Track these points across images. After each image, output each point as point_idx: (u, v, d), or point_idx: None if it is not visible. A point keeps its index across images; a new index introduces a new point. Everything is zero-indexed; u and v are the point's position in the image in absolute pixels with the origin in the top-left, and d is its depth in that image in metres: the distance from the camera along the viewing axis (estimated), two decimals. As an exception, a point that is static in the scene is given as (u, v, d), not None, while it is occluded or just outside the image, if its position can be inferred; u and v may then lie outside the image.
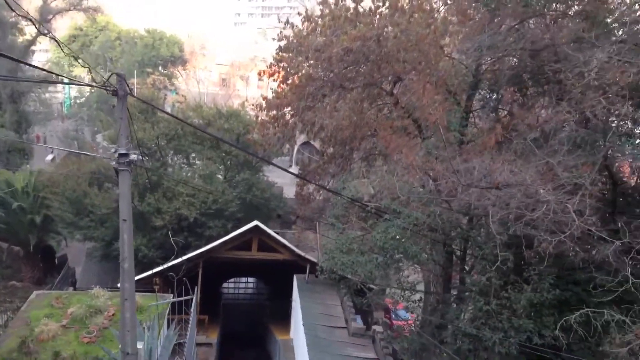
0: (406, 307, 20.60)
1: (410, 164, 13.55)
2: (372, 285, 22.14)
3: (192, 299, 19.90)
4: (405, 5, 19.60)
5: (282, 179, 38.75)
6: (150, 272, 24.67)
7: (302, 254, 26.63)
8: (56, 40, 12.85)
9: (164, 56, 79.59)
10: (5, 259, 41.66)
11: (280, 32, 19.91)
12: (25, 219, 36.39)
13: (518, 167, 10.24)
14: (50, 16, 52.21)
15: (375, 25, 17.27)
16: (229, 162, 33.61)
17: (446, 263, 20.05)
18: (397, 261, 18.31)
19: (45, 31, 51.78)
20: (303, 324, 22.41)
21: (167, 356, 15.31)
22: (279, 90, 21.12)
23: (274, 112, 20.48)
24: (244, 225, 26.93)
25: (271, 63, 20.96)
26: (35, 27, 12.63)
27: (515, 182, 9.87)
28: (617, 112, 9.82)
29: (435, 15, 21.15)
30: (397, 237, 16.72)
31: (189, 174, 32.84)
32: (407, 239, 16.54)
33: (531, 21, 16.20)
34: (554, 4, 15.95)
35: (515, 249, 15.18)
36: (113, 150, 11.35)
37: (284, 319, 28.64)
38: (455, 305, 18.99)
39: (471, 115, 19.99)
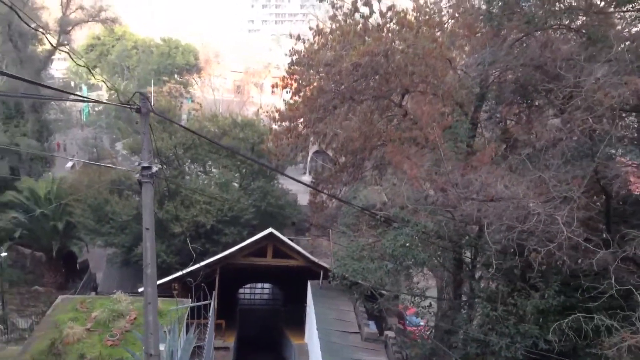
0: (416, 312, 21.20)
1: (414, 177, 14.22)
2: (383, 291, 22.76)
3: (210, 304, 20.63)
4: (412, 19, 20.30)
5: (296, 186, 39.49)
6: (169, 278, 25.51)
7: (316, 260, 27.31)
8: (69, 54, 13.71)
9: (180, 64, 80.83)
10: (29, 265, 42.90)
11: (292, 47, 20.73)
12: (48, 226, 37.55)
13: (512, 181, 10.89)
14: (70, 27, 53.48)
15: (383, 40, 17.95)
16: (244, 170, 34.49)
17: (456, 270, 20.64)
18: (406, 268, 18.93)
19: (62, 43, 53.39)
20: (317, 329, 23.03)
21: (187, 358, 16.07)
22: (292, 102, 21.89)
23: (287, 123, 21.26)
24: (259, 233, 27.76)
25: (284, 76, 21.77)
26: (50, 43, 13.54)
27: (508, 196, 10.52)
28: (604, 130, 10.41)
29: (445, 26, 21.86)
30: (407, 244, 17.35)
31: (205, 182, 33.69)
32: (416, 247, 17.18)
33: (535, 34, 16.78)
34: (555, 20, 16.50)
35: (520, 256, 15.73)
36: (137, 163, 12.16)
37: (299, 324, 29.27)
38: (464, 311, 19.55)
39: (479, 126, 20.58)
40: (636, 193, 11.24)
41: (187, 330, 19.77)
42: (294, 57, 20.48)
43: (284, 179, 37.36)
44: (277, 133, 21.86)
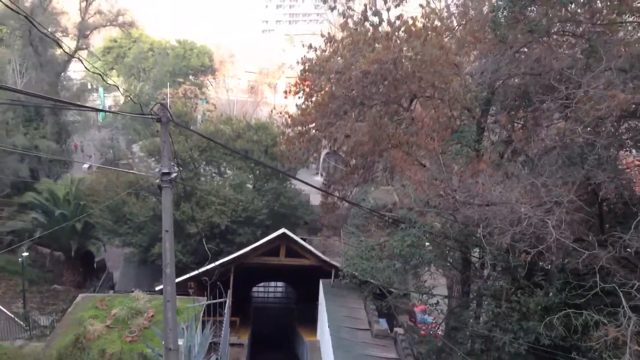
0: (423, 310, 21.83)
1: (418, 181, 14.90)
2: (391, 289, 23.38)
3: (225, 302, 21.39)
4: (420, 26, 20.94)
5: (309, 187, 40.13)
6: (185, 277, 26.31)
7: (327, 259, 27.88)
8: (82, 62, 14.58)
9: (195, 66, 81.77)
10: (48, 264, 43.99)
11: (304, 55, 21.47)
12: (66, 226, 38.50)
13: (506, 188, 11.52)
14: (88, 32, 54.69)
15: (392, 49, 18.62)
16: (258, 172, 35.22)
17: (463, 269, 21.25)
18: (414, 267, 19.59)
19: (80, 47, 54.53)
20: (328, 326, 23.66)
21: (203, 353, 16.86)
22: (304, 106, 22.64)
23: (299, 128, 21.99)
24: (273, 233, 28.31)
25: (296, 82, 22.54)
26: (65, 51, 14.38)
27: (501, 201, 11.16)
28: (591, 140, 11.02)
29: (454, 31, 22.48)
30: (414, 244, 18.01)
31: (220, 184, 34.47)
32: (423, 247, 17.84)
33: (540, 40, 17.35)
34: (558, 28, 17.07)
35: (527, 256, 16.31)
36: (156, 169, 13.00)
37: (311, 322, 29.79)
38: (471, 309, 20.18)
39: (486, 129, 21.16)
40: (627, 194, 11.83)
41: (203, 327, 20.57)
42: (306, 65, 21.21)
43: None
44: (290, 137, 22.61)
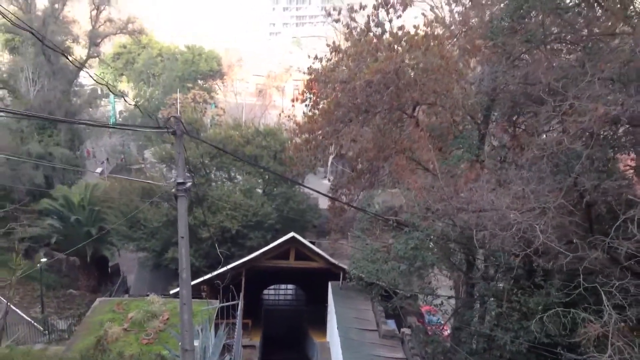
0: (428, 311, 22.49)
1: (417, 188, 15.63)
2: (397, 290, 24.05)
3: (237, 304, 22.15)
4: (422, 34, 21.64)
5: (319, 189, 40.82)
6: (198, 280, 27.06)
7: (336, 262, 28.50)
8: (91, 76, 15.46)
9: (203, 71, 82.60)
10: (64, 269, 44.99)
11: (310, 66, 22.25)
12: (81, 231, 39.39)
13: (497, 195, 12.23)
14: (99, 40, 55.77)
15: (394, 59, 19.33)
16: (267, 177, 36.01)
17: (467, 270, 21.90)
18: (418, 269, 20.28)
19: (92, 55, 55.55)
20: (337, 327, 24.30)
21: (217, 354, 17.64)
22: (310, 113, 23.43)
23: (306, 135, 22.77)
24: (282, 236, 29.02)
25: (303, 90, 23.35)
26: (73, 64, 15.22)
27: (492, 208, 11.88)
28: (576, 150, 11.70)
29: (455, 39, 23.16)
30: (417, 247, 18.70)
31: (230, 189, 35.26)
32: (426, 249, 18.54)
33: (534, 52, 17.99)
34: (553, 37, 17.70)
35: (526, 258, 16.98)
36: (172, 179, 13.88)
37: (321, 323, 30.26)
38: (474, 309, 20.82)
39: (488, 134, 21.80)
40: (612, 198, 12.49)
41: (217, 329, 21.34)
42: (313, 75, 22.00)
43: (306, 182, 38.77)
44: (298, 144, 23.38)
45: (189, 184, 13.92)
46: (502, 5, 19.37)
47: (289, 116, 36.28)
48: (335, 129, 21.92)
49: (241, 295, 24.89)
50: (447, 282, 23.69)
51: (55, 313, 36.44)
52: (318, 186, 38.75)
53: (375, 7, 21.55)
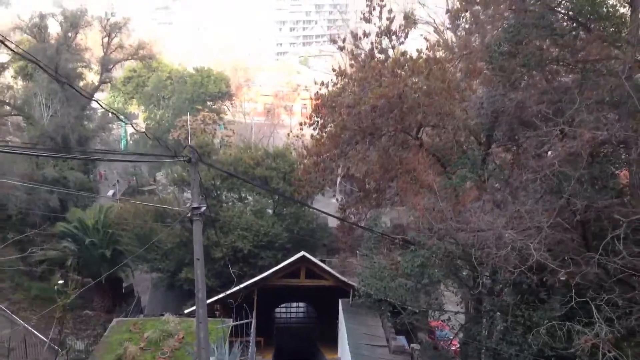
0: (436, 326, 23.04)
1: (420, 209, 16.36)
2: (405, 307, 24.63)
3: (250, 323, 22.83)
4: (425, 58, 22.53)
5: (327, 209, 41.52)
6: (212, 299, 27.73)
7: (346, 280, 29.00)
8: (102, 106, 16.40)
9: (212, 92, 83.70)
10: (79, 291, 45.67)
11: (317, 92, 23.18)
12: (96, 253, 40.16)
13: (494, 216, 12.95)
14: (111, 66, 57.16)
15: (397, 85, 20.19)
16: (277, 197, 36.81)
17: (473, 286, 22.47)
18: (425, 286, 20.91)
19: (104, 81, 56.87)
20: (348, 344, 24.87)
21: (232, 371, 18.34)
22: (318, 136, 24.31)
23: (315, 158, 23.62)
24: (293, 255, 29.65)
25: (310, 114, 24.25)
26: (81, 94, 16.08)
27: (488, 228, 12.60)
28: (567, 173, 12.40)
29: (456, 62, 24.03)
30: (424, 264, 19.36)
31: (241, 210, 36.02)
32: (432, 267, 19.21)
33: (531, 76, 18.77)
34: (550, 59, 18.47)
35: (535, 273, 17.57)
36: (188, 205, 14.76)
37: (332, 340, 30.65)
38: (480, 323, 21.37)
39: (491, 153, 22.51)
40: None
41: (231, 347, 22.00)
42: (319, 101, 22.92)
43: (316, 201, 39.55)
44: (306, 167, 24.23)
45: (203, 209, 14.76)
46: (500, 30, 20.17)
47: (297, 136, 37.23)
48: (342, 151, 22.75)
49: (254, 313, 25.50)
50: (454, 297, 24.24)
51: (72, 334, 37.10)
52: (327, 205, 39.48)
53: (378, 35, 22.53)
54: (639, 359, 12.36)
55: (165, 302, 37.04)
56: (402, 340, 25.80)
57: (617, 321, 11.24)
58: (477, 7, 22.11)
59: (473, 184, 20.00)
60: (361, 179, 24.98)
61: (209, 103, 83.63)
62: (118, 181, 71.85)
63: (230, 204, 37.63)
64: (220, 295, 27.01)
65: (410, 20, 24.68)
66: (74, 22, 54.20)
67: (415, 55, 23.03)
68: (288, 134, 42.57)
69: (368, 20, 22.75)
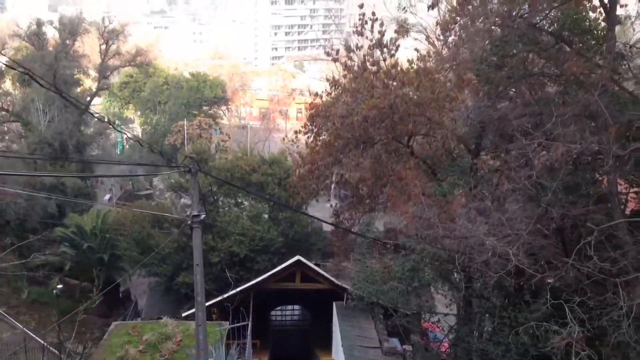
0: (426, 327, 23.77)
1: (408, 217, 17.17)
2: (396, 309, 25.37)
3: (247, 325, 23.48)
4: (415, 68, 23.33)
5: (321, 213, 42.23)
6: (209, 303, 28.28)
7: (339, 283, 29.58)
8: (98, 118, 17.12)
9: (208, 97, 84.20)
10: (77, 295, 46.17)
11: (311, 102, 23.99)
12: (94, 258, 40.68)
13: (476, 224, 13.75)
14: (108, 73, 57.80)
15: (388, 96, 20.98)
16: (272, 202, 37.52)
17: (463, 288, 23.23)
18: (415, 288, 21.69)
19: (102, 87, 57.46)
20: (342, 345, 25.55)
21: (230, 371, 19.02)
22: (312, 145, 25.10)
23: (309, 166, 24.42)
24: (288, 259, 30.34)
25: (305, 123, 25.05)
26: (76, 106, 16.67)
27: (471, 235, 13.39)
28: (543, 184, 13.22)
29: (446, 72, 24.80)
30: (414, 268, 20.17)
31: (238, 215, 36.72)
32: (422, 270, 20.00)
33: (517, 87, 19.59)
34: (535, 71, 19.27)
35: (516, 277, 18.36)
36: (187, 211, 15.51)
37: (326, 342, 31.10)
38: (469, 325, 22.14)
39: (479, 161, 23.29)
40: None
41: (227, 349, 22.61)
42: (313, 111, 23.72)
43: (311, 206, 40.19)
44: (301, 175, 25.03)
45: (203, 216, 15.51)
46: (487, 43, 20.93)
47: (292, 140, 37.92)
48: (336, 159, 23.54)
49: (250, 316, 26.13)
50: (443, 299, 25.00)
51: (70, 338, 37.49)
52: (322, 209, 40.12)
53: (371, 48, 23.39)
54: (611, 358, 13.17)
55: (162, 305, 37.50)
56: (394, 342, 26.46)
57: (589, 322, 12.03)
58: (466, 19, 22.88)
59: (462, 190, 20.79)
60: (354, 185, 25.76)
61: (205, 108, 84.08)
62: (113, 186, 72.38)
63: (226, 209, 38.29)
64: (218, 299, 27.61)
65: (403, 29, 25.53)
66: (71, 30, 54.75)
67: (406, 65, 23.82)
68: (283, 139, 43.40)
69: (360, 34, 23.62)
